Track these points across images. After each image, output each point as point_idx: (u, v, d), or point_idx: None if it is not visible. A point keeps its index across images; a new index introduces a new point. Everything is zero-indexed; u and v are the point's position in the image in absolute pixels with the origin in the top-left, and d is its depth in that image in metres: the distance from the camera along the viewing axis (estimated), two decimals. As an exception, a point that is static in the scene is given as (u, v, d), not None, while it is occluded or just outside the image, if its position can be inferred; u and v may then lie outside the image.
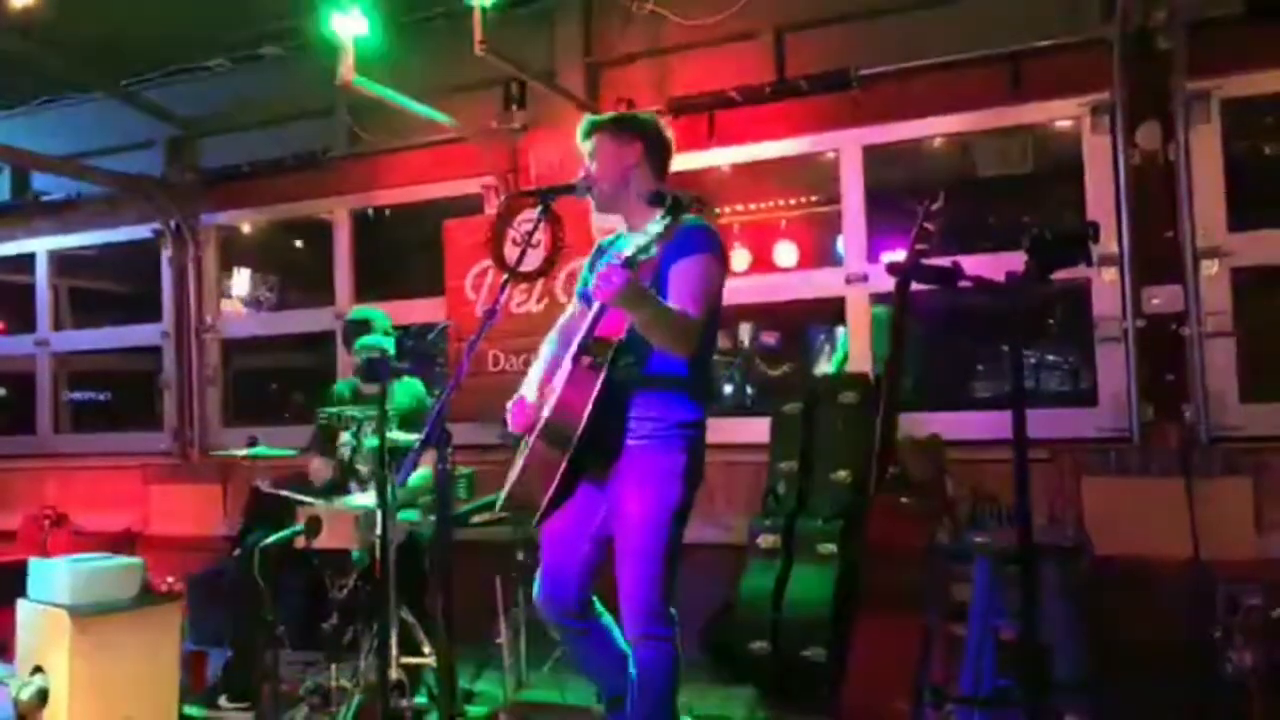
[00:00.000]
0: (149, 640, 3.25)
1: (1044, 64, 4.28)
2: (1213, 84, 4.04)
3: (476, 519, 4.01)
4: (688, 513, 2.62)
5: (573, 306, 2.92)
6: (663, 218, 2.26)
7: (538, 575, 2.74)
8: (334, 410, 3.92)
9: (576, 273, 3.41)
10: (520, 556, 3.97)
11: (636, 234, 2.54)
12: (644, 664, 2.55)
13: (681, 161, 4.92)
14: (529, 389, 2.75)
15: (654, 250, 2.31)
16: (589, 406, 2.40)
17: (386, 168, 5.67)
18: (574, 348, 2.51)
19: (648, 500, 2.55)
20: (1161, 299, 4.06)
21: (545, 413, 2.51)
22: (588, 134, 2.81)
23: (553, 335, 2.89)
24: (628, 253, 2.29)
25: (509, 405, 2.73)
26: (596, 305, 2.45)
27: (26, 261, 6.82)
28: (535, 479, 2.50)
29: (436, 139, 5.34)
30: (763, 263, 5.95)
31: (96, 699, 3.10)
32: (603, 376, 2.42)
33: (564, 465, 2.42)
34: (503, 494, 2.63)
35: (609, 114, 3.04)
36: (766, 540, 4.10)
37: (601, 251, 2.86)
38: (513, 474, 2.61)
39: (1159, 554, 3.87)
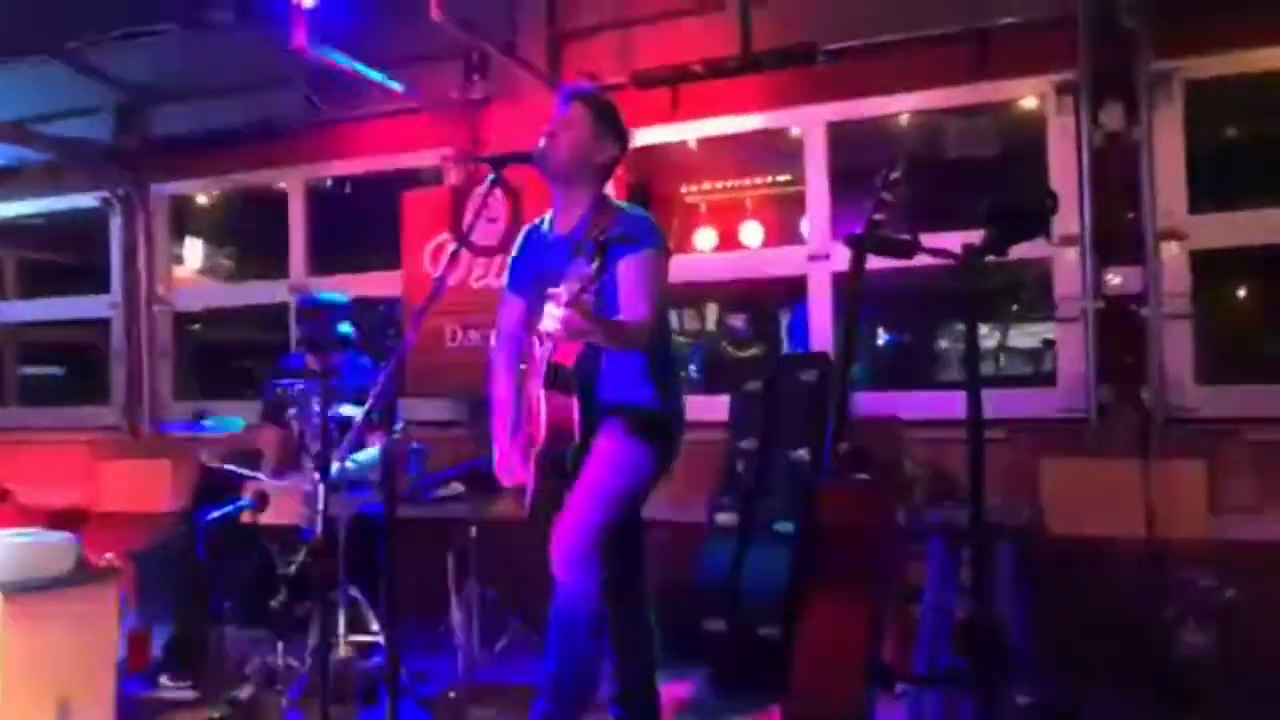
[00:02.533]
0: (85, 617, 3.14)
1: (1010, 42, 4.24)
2: (1177, 65, 4.03)
3: (429, 495, 3.93)
4: (647, 477, 2.70)
5: (506, 299, 3.01)
6: (592, 257, 2.26)
7: None
8: (282, 383, 3.82)
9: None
10: (473, 533, 3.92)
11: (565, 233, 2.75)
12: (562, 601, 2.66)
13: (646, 135, 4.92)
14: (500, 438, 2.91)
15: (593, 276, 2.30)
16: (577, 429, 2.60)
17: (343, 138, 5.54)
18: (542, 380, 2.63)
19: (610, 446, 2.65)
20: (1121, 279, 4.06)
21: (541, 438, 2.64)
22: (571, 99, 2.80)
23: (500, 360, 2.97)
24: (569, 292, 2.27)
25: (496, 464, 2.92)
26: (548, 341, 2.56)
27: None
28: (548, 499, 2.71)
29: (395, 109, 5.22)
30: (729, 242, 5.92)
31: (31, 678, 3.00)
32: (577, 399, 2.60)
33: (566, 471, 2.66)
34: (527, 511, 2.79)
35: (599, 95, 2.98)
36: (724, 518, 4.07)
37: (529, 240, 2.89)
38: (528, 498, 2.78)
39: (1114, 534, 3.89)
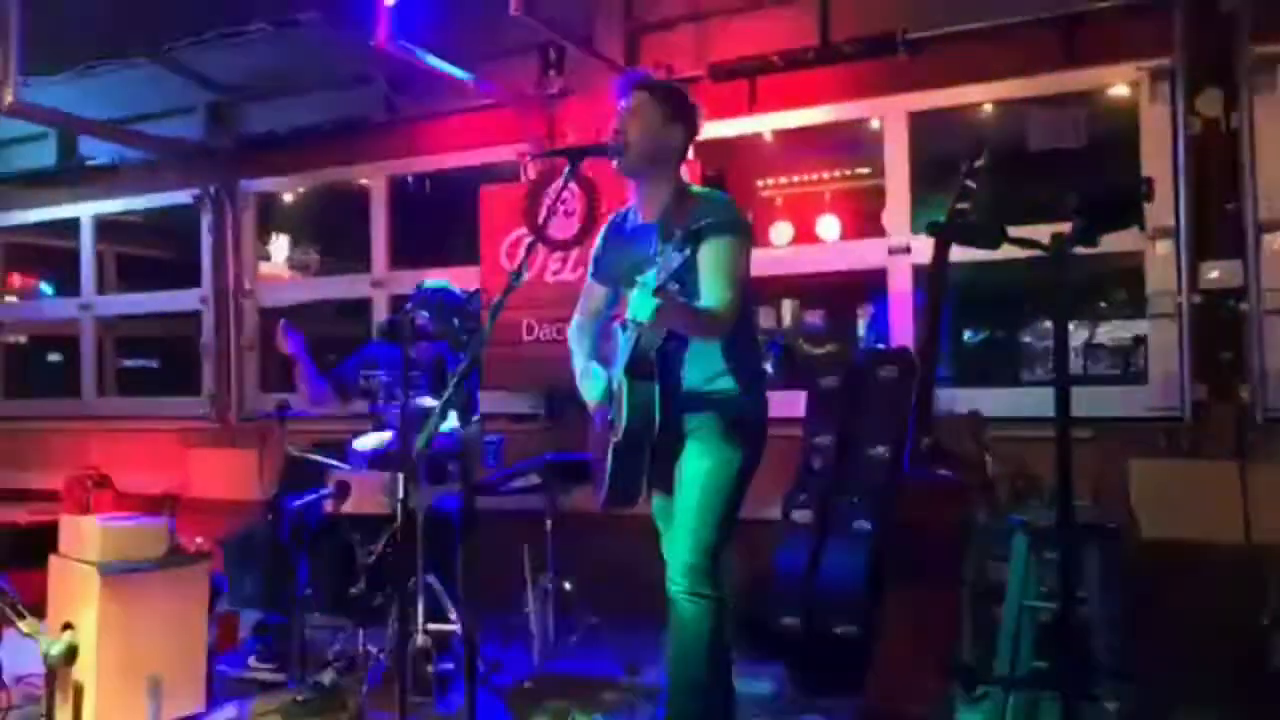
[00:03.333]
0: (176, 598, 3.26)
1: (1100, 27, 4.11)
2: (1279, 50, 3.85)
3: (506, 487, 3.97)
4: (747, 480, 2.68)
5: (589, 286, 3.01)
6: (681, 246, 2.24)
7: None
8: (366, 373, 3.90)
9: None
10: (549, 525, 3.94)
11: (651, 222, 2.71)
12: (682, 620, 2.59)
13: (722, 128, 4.89)
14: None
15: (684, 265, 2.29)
16: (658, 415, 2.57)
17: (423, 134, 5.63)
18: (624, 367, 2.61)
19: (707, 463, 2.63)
20: (1219, 273, 3.89)
21: (623, 423, 2.60)
22: (632, 89, 2.76)
23: (578, 333, 2.97)
24: (653, 281, 2.29)
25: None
26: (633, 328, 2.54)
27: (73, 226, 6.90)
28: (629, 481, 2.68)
29: (473, 105, 5.28)
30: (806, 236, 5.85)
31: (124, 656, 3.12)
32: (659, 384, 2.57)
33: (646, 465, 2.65)
34: (602, 497, 2.74)
35: (659, 80, 2.97)
36: (801, 515, 4.02)
37: (614, 229, 2.89)
38: (605, 482, 2.72)
39: (1209, 538, 3.74)
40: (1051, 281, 2.16)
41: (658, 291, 2.23)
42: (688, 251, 2.19)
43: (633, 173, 2.76)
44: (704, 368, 2.68)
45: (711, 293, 2.54)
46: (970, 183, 2.34)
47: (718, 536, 2.61)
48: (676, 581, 2.62)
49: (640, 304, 2.27)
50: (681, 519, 2.64)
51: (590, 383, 2.83)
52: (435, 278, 4.18)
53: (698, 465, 2.64)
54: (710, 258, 2.51)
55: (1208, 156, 3.94)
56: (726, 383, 2.68)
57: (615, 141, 2.73)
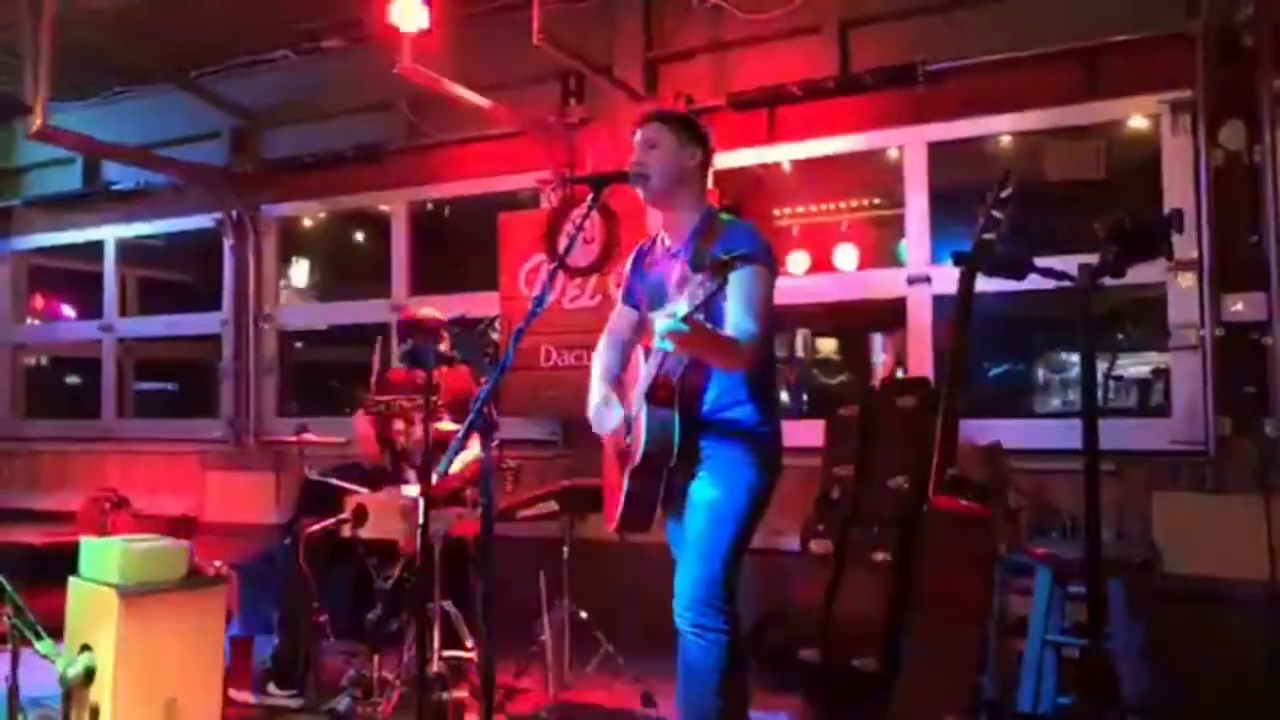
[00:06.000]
0: (194, 621, 3.25)
1: (1121, 60, 4.12)
2: (1301, 83, 3.86)
3: (523, 514, 3.96)
4: (759, 510, 2.65)
5: (619, 308, 3.00)
6: (711, 276, 2.22)
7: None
8: (384, 399, 3.91)
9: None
10: (566, 553, 3.93)
11: (678, 246, 2.71)
12: (690, 655, 2.55)
13: (741, 158, 4.91)
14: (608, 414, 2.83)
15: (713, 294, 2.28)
16: (675, 441, 2.56)
17: (444, 161, 5.67)
18: (644, 389, 2.61)
19: (717, 492, 2.61)
20: (1243, 306, 3.87)
21: (642, 449, 2.59)
22: (644, 122, 2.79)
23: (604, 349, 2.95)
24: (682, 309, 2.26)
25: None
26: (657, 354, 2.53)
27: (96, 249, 6.97)
28: (642, 506, 2.67)
29: (494, 133, 5.33)
30: (822, 265, 5.85)
31: (142, 678, 3.11)
32: (678, 412, 2.57)
33: (661, 490, 2.65)
34: (616, 521, 2.73)
35: (669, 110, 3.01)
36: (819, 546, 3.99)
37: (642, 255, 2.92)
38: (620, 506, 2.70)
39: (1234, 574, 3.69)
40: (1078, 312, 2.14)
41: (686, 319, 2.22)
42: (718, 281, 2.18)
43: (658, 198, 2.77)
44: (722, 395, 2.67)
45: (738, 324, 2.53)
46: (997, 212, 2.34)
47: (725, 566, 2.58)
48: (682, 615, 2.59)
49: (666, 331, 2.26)
50: (689, 548, 2.63)
51: (607, 412, 2.81)
52: (451, 303, 4.20)
53: (708, 493, 2.62)
54: (738, 288, 2.50)
55: (1230, 189, 3.93)
56: (743, 411, 2.67)
57: (636, 170, 2.74)
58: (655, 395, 2.57)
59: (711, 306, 2.33)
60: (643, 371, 2.66)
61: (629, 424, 2.70)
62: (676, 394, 2.58)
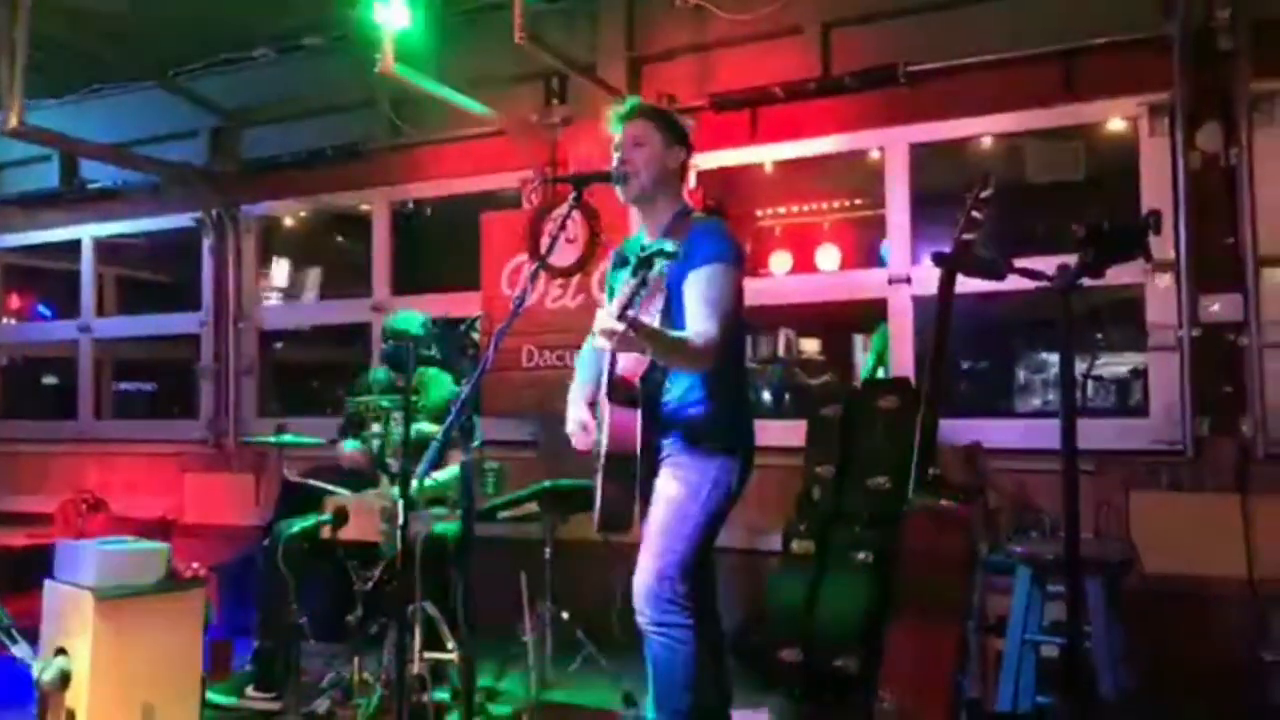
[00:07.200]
0: (171, 625, 3.22)
1: (1099, 62, 4.14)
2: (1278, 86, 3.89)
3: (504, 515, 3.95)
4: (721, 507, 2.62)
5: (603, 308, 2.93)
6: (636, 271, 2.22)
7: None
8: (363, 399, 3.88)
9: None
10: (547, 554, 3.92)
11: (651, 242, 2.61)
12: (655, 654, 2.55)
13: (723, 158, 4.92)
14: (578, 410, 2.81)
15: (653, 283, 2.27)
16: (638, 439, 2.54)
17: (425, 160, 5.64)
18: (604, 386, 2.60)
19: (677, 488, 2.59)
20: (1220, 307, 3.91)
21: (604, 448, 2.57)
22: (631, 117, 2.76)
23: (587, 349, 2.92)
24: (622, 300, 2.25)
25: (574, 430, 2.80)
26: (605, 353, 2.54)
27: (73, 248, 6.90)
28: (617, 505, 2.62)
29: (476, 132, 5.31)
30: (804, 265, 5.86)
31: (118, 682, 3.08)
32: (640, 410, 2.55)
33: (634, 489, 2.59)
34: (595, 522, 2.68)
35: (658, 107, 2.99)
36: (800, 546, 3.99)
37: (622, 259, 2.88)
38: (596, 506, 2.67)
39: (1211, 573, 3.73)
40: (1057, 312, 2.15)
41: (622, 317, 2.19)
42: (639, 278, 2.16)
43: (638, 199, 2.76)
44: (685, 392, 2.65)
45: (693, 323, 2.50)
46: (977, 213, 2.35)
47: (683, 563, 2.54)
48: (642, 613, 2.56)
49: (599, 330, 2.25)
50: (646, 542, 2.61)
51: (583, 436, 2.78)
52: (432, 304, 4.17)
53: (668, 489, 2.61)
54: (697, 288, 2.50)
55: (1207, 191, 3.96)
56: (704, 407, 2.63)
57: (620, 169, 2.73)
58: (616, 394, 2.54)
59: (670, 305, 2.32)
60: (603, 368, 2.65)
61: (597, 423, 2.69)
62: (639, 392, 2.55)
